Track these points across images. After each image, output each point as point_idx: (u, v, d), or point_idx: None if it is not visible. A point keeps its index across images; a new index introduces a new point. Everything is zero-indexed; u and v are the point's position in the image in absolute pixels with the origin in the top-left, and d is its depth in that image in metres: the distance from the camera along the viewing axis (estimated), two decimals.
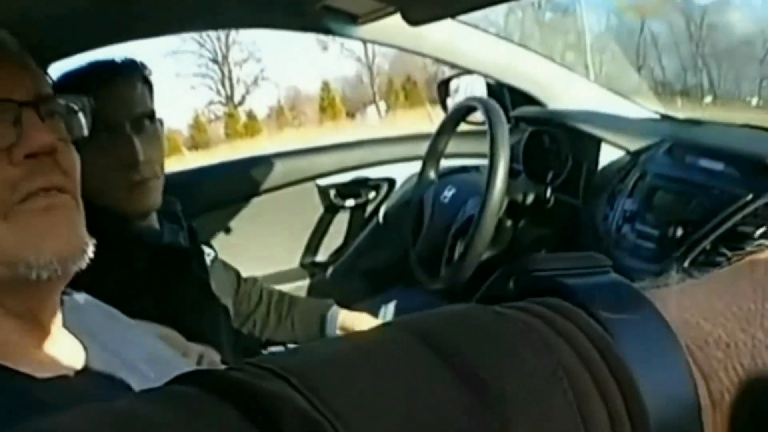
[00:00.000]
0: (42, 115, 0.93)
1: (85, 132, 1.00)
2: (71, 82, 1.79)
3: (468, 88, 2.82)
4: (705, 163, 1.90)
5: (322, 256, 3.23)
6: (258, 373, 0.34)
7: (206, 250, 2.11)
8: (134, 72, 1.85)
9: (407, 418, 0.33)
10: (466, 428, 0.33)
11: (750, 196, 1.67)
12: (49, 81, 1.01)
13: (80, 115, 1.02)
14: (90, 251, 0.94)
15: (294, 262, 3.20)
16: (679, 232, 1.80)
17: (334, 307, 2.25)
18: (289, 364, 0.35)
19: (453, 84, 2.90)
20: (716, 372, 0.39)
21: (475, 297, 0.45)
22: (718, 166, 1.85)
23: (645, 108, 2.58)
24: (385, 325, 0.41)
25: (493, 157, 1.96)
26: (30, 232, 0.88)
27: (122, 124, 1.78)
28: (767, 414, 0.39)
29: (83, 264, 0.93)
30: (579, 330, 0.38)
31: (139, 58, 1.89)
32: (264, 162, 3.05)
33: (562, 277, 0.42)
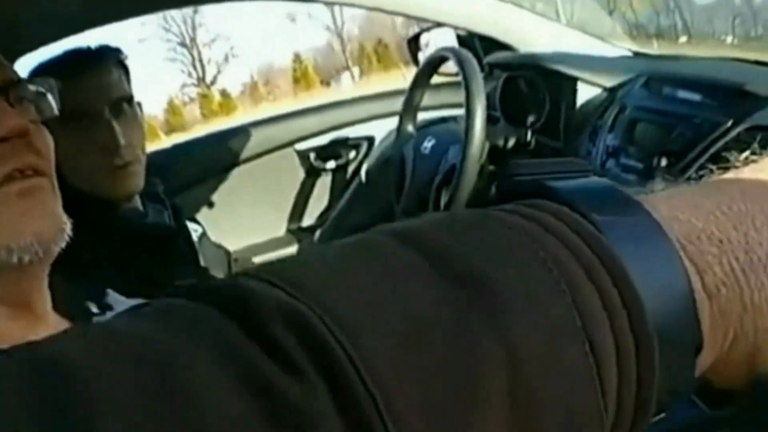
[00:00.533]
0: (11, 102, 0.92)
1: (56, 112, 1.00)
2: (46, 71, 1.78)
3: (438, 42, 2.80)
4: (683, 94, 1.89)
5: (308, 221, 3.24)
6: (243, 279, 0.34)
7: (193, 226, 2.12)
8: (109, 57, 1.86)
9: (392, 308, 0.32)
10: (455, 322, 0.32)
11: (730, 123, 1.67)
12: (14, 69, 1.01)
13: (48, 96, 1.01)
14: (68, 231, 0.94)
15: (281, 229, 3.20)
16: (663, 162, 1.79)
17: None
18: (272, 268, 0.35)
19: (423, 39, 2.89)
20: (711, 266, 0.39)
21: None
22: (696, 96, 1.84)
23: (619, 47, 2.57)
24: (368, 231, 0.40)
25: (469, 103, 1.95)
26: (8, 216, 0.87)
27: (101, 109, 1.79)
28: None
29: (62, 244, 0.92)
30: (567, 227, 0.37)
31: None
32: (240, 132, 3.05)
33: (545, 180, 0.41)
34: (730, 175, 0.44)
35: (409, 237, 0.36)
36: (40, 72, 1.78)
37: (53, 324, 0.99)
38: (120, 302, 1.12)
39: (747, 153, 0.46)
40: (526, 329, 0.33)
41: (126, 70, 1.90)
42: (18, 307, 0.93)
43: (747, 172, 0.44)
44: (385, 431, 0.29)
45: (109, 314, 1.05)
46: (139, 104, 1.92)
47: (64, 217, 0.94)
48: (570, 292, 0.34)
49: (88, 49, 1.85)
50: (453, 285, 0.33)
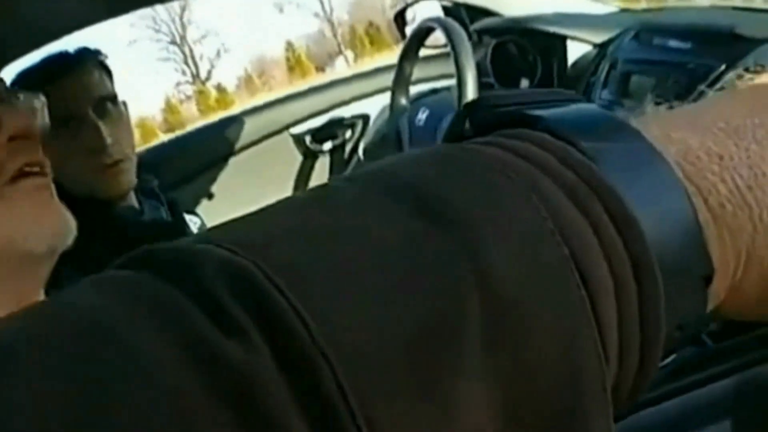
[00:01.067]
0: None
1: (47, 124, 1.01)
2: (28, 79, 1.80)
3: (425, 14, 2.80)
4: (674, 43, 1.88)
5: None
6: (183, 241, 0.32)
7: (192, 218, 2.11)
8: (89, 59, 1.87)
9: (342, 250, 0.30)
10: (420, 257, 0.30)
11: (723, 66, 1.66)
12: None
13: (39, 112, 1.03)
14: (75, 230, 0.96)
15: None
16: (663, 108, 1.78)
17: None
18: (219, 229, 0.33)
19: (409, 13, 2.90)
20: (713, 185, 0.36)
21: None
22: (687, 44, 1.84)
23: (604, 4, 2.57)
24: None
25: (459, 72, 1.94)
26: (25, 210, 0.89)
27: (85, 111, 1.80)
28: None
29: (70, 242, 0.94)
30: (552, 155, 0.34)
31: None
32: (234, 122, 3.05)
33: (527, 110, 0.38)
34: (726, 92, 0.42)
35: (368, 175, 0.34)
36: (22, 81, 1.80)
37: None
38: None
39: (739, 70, 0.45)
40: (503, 257, 0.30)
41: (107, 70, 1.90)
42: (16, 303, 0.92)
43: (742, 88, 0.41)
44: (337, 386, 0.26)
45: None
46: (124, 103, 1.93)
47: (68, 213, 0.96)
48: (553, 219, 0.32)
49: (66, 52, 1.86)
50: (416, 214, 0.31)
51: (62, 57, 1.85)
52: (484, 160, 0.34)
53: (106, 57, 1.92)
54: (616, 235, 0.32)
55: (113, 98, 1.87)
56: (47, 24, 2.05)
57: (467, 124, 0.40)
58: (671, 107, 0.42)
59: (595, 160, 0.34)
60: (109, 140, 1.79)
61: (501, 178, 0.33)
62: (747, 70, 0.44)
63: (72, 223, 0.94)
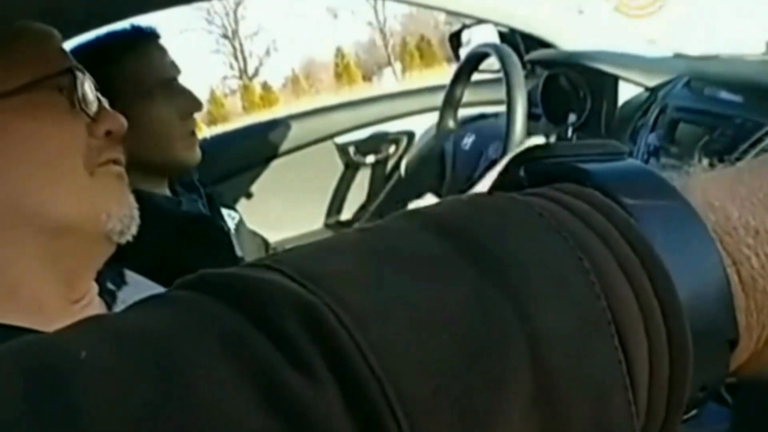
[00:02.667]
0: None
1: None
2: (114, 42, 1.85)
3: (480, 38, 2.79)
4: (724, 95, 1.87)
5: (346, 215, 3.23)
6: (252, 269, 0.33)
7: (231, 213, 2.11)
8: (154, 35, 1.90)
9: (409, 298, 0.31)
10: (477, 310, 0.31)
11: None
12: None
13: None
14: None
15: (318, 222, 3.20)
16: (705, 163, 1.77)
17: None
18: (283, 257, 0.34)
19: (465, 35, 2.88)
20: (747, 258, 0.37)
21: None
22: (738, 97, 1.82)
23: (659, 48, 2.55)
24: (389, 216, 0.39)
25: (510, 99, 1.93)
26: (111, 189, 1.01)
27: (174, 77, 1.87)
28: None
29: (134, 232, 1.04)
30: (598, 211, 0.36)
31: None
32: (280, 124, 3.05)
33: (577, 163, 0.40)
34: (766, 157, 0.42)
35: (431, 222, 0.35)
36: (97, 53, 1.79)
37: (97, 311, 1.04)
38: (136, 281, 1.21)
39: None
40: (551, 318, 0.32)
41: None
42: (70, 287, 0.98)
43: None
44: (398, 429, 0.28)
45: (124, 289, 1.15)
46: None
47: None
48: (599, 281, 0.33)
49: (134, 27, 1.89)
50: (475, 271, 0.32)
51: (134, 30, 1.88)
52: (541, 218, 0.35)
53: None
54: (654, 300, 0.33)
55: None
56: (105, 6, 2.07)
57: (521, 172, 0.42)
58: (717, 163, 0.43)
59: (638, 218, 0.36)
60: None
61: (557, 238, 0.34)
62: None
63: (137, 214, 1.03)
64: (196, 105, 1.88)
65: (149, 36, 1.87)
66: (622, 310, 0.33)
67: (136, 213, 1.03)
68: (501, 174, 0.43)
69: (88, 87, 1.01)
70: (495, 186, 0.43)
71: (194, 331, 0.29)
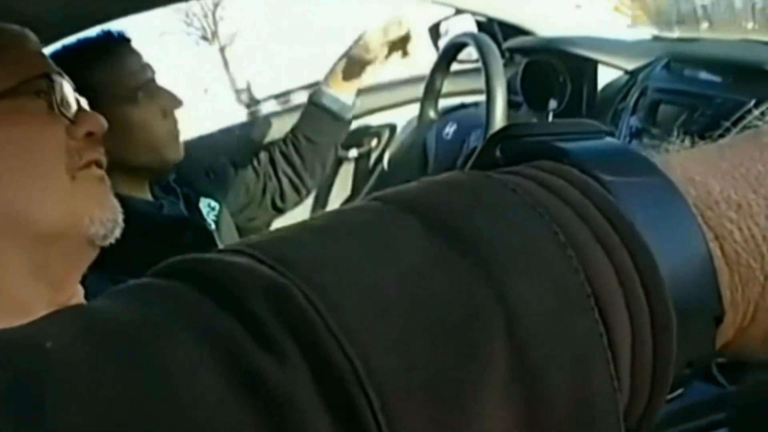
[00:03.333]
0: None
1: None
2: (83, 53, 1.84)
3: (458, 29, 2.79)
4: (704, 75, 1.87)
5: (331, 209, 3.21)
6: (223, 254, 0.33)
7: (210, 202, 2.11)
8: (128, 40, 1.91)
9: (379, 275, 0.31)
10: (449, 285, 0.31)
11: (753, 102, 1.65)
12: None
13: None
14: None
15: (303, 217, 3.17)
16: (687, 143, 1.77)
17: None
18: (254, 241, 0.33)
19: (443, 26, 2.89)
20: (730, 233, 0.37)
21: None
22: (717, 77, 1.83)
23: (637, 31, 2.56)
24: (363, 200, 0.38)
25: (489, 88, 1.94)
26: (93, 193, 1.00)
27: (152, 78, 1.89)
28: None
29: (118, 235, 1.03)
30: (575, 188, 0.35)
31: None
32: (260, 123, 3.03)
33: (555, 141, 0.39)
34: (749, 134, 0.42)
35: (403, 202, 0.35)
36: (75, 56, 1.81)
37: None
38: None
39: (764, 108, 0.44)
40: (527, 293, 0.31)
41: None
42: (54, 289, 0.97)
43: (765, 131, 0.41)
44: (369, 409, 0.27)
45: None
46: None
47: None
48: (577, 256, 0.33)
49: (109, 32, 1.90)
50: (448, 249, 0.32)
51: (108, 35, 1.89)
52: (516, 195, 0.35)
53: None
54: (635, 275, 0.33)
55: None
56: (82, 11, 2.07)
57: (498, 152, 0.41)
58: (698, 141, 0.43)
59: (617, 195, 0.35)
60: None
61: (532, 214, 0.34)
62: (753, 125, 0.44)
63: (121, 217, 1.02)
64: (176, 102, 1.90)
65: (123, 41, 1.88)
66: (602, 284, 0.32)
67: (119, 216, 1.02)
68: (478, 154, 0.43)
69: (66, 89, 1.01)
70: (471, 166, 0.42)
71: (165, 318, 0.29)
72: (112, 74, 1.80)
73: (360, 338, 0.28)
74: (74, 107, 1.01)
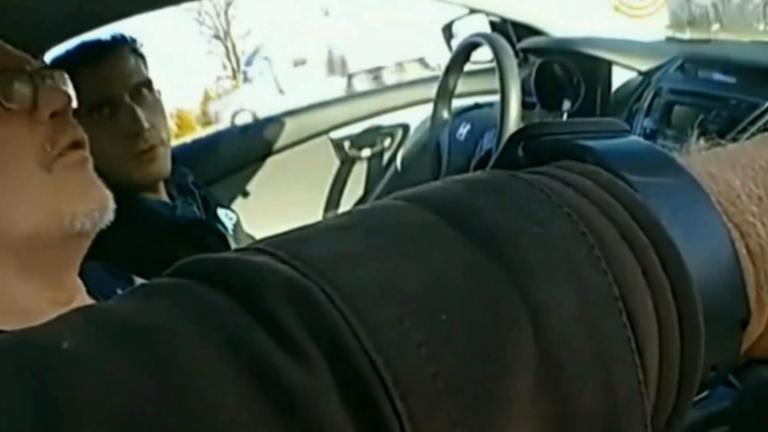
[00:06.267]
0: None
1: (75, 104, 1.04)
2: (64, 62, 1.83)
3: (472, 28, 2.79)
4: (718, 76, 1.87)
5: (343, 210, 3.21)
6: (243, 253, 0.32)
7: (228, 213, 2.11)
8: (123, 45, 1.89)
9: (404, 276, 0.30)
10: (476, 289, 0.30)
11: (767, 104, 1.64)
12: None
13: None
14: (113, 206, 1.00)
15: (316, 218, 3.17)
16: (703, 143, 1.76)
17: None
18: (275, 241, 0.33)
19: (456, 26, 2.89)
20: (754, 226, 0.36)
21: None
22: (731, 79, 1.82)
23: (651, 32, 2.56)
24: (385, 197, 0.38)
25: (503, 88, 1.94)
26: (73, 183, 0.94)
27: (121, 95, 1.82)
28: None
29: (111, 218, 0.98)
30: (602, 188, 0.35)
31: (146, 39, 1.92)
32: (274, 121, 3.05)
33: (577, 140, 0.39)
34: (765, 134, 0.42)
35: (426, 200, 0.34)
36: (57, 64, 1.81)
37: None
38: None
39: None
40: (555, 295, 0.31)
41: (142, 57, 1.93)
42: (53, 287, 0.95)
43: None
44: (396, 416, 0.27)
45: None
46: (159, 91, 1.94)
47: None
48: (605, 257, 0.32)
49: (102, 39, 1.89)
50: (473, 248, 0.31)
51: (98, 42, 1.88)
52: (543, 194, 0.34)
53: (141, 45, 1.94)
54: (664, 277, 0.33)
55: (149, 84, 1.90)
56: (95, 9, 2.07)
57: (520, 151, 0.41)
58: (717, 143, 0.43)
59: (644, 195, 0.35)
60: (146, 125, 1.81)
61: (560, 213, 0.33)
62: None
63: (111, 199, 0.98)
64: (137, 126, 1.82)
65: (92, 54, 1.85)
66: (630, 285, 0.32)
67: (107, 201, 0.98)
68: (500, 154, 0.42)
69: (16, 82, 0.93)
70: (493, 166, 0.41)
71: (183, 319, 0.29)
72: (89, 80, 1.77)
73: (385, 342, 0.28)
74: (29, 96, 0.93)
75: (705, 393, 0.37)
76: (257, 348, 0.27)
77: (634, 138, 0.40)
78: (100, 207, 0.95)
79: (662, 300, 0.32)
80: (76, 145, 0.96)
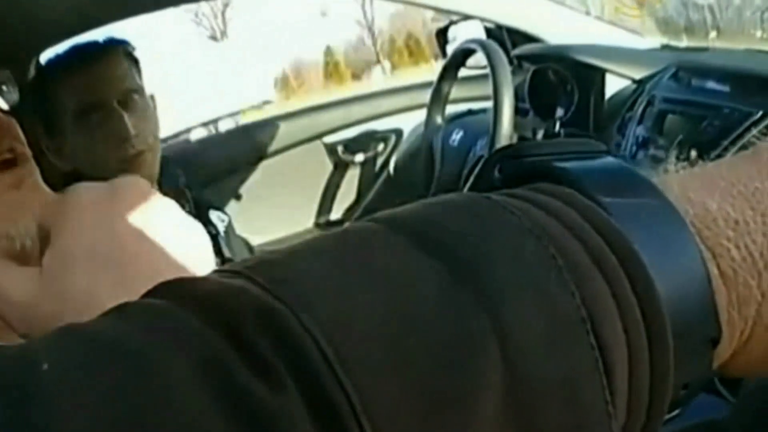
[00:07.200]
0: None
1: (16, 98, 1.00)
2: (55, 66, 1.84)
3: (467, 34, 2.80)
4: (712, 85, 1.88)
5: (335, 214, 3.24)
6: (220, 275, 0.33)
7: (220, 215, 2.12)
8: (115, 49, 1.88)
9: (373, 297, 0.30)
10: (444, 312, 0.30)
11: (760, 113, 1.65)
12: None
13: (4, 87, 1.02)
14: None
15: (308, 222, 3.21)
16: (693, 153, 1.77)
17: None
18: (252, 262, 0.33)
19: (451, 31, 2.89)
20: (728, 250, 0.36)
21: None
22: (725, 87, 1.83)
23: (646, 40, 2.57)
24: (360, 220, 0.38)
25: (496, 95, 1.94)
26: (4, 207, 0.84)
27: (110, 101, 1.81)
28: None
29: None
30: (574, 210, 0.35)
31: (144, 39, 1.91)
32: (268, 125, 3.06)
33: (554, 161, 0.39)
34: (747, 153, 0.42)
35: (399, 224, 0.34)
36: (49, 68, 1.84)
37: None
38: None
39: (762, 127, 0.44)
40: (522, 318, 0.31)
41: (136, 62, 1.92)
42: None
43: (764, 148, 0.41)
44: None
45: None
46: (152, 96, 1.94)
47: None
48: (574, 279, 0.32)
49: (94, 42, 1.88)
50: (444, 272, 0.31)
51: (89, 46, 1.87)
52: (514, 217, 0.34)
53: (134, 48, 1.93)
54: (633, 298, 0.33)
55: (139, 90, 1.89)
56: (91, 11, 2.07)
57: (497, 172, 0.41)
58: (705, 153, 0.43)
59: (615, 216, 0.35)
60: (132, 131, 1.81)
61: (529, 236, 0.33)
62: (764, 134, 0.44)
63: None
64: (124, 133, 1.81)
65: (83, 58, 1.85)
66: (598, 307, 0.32)
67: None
68: (477, 175, 0.42)
69: None
70: (470, 187, 0.42)
71: (160, 342, 0.29)
72: (62, 92, 1.79)
73: (354, 366, 0.28)
74: None
75: (677, 411, 0.37)
76: (229, 370, 0.27)
77: (610, 159, 0.40)
78: (41, 221, 0.87)
79: (631, 321, 0.33)
80: (9, 160, 0.86)
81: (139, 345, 0.29)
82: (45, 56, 1.92)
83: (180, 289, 0.32)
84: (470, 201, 0.36)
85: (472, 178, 0.43)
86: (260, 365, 0.27)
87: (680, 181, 0.39)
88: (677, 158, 1.81)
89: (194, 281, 0.32)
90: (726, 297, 0.36)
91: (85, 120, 1.78)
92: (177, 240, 0.66)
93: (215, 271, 0.34)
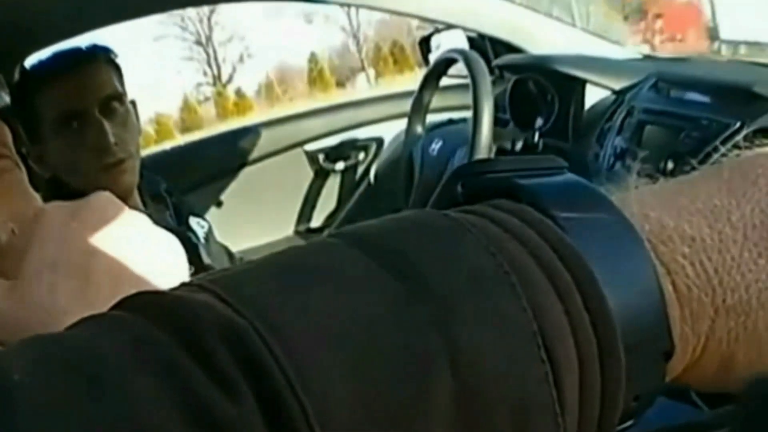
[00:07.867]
0: None
1: (7, 100, 1.00)
2: (36, 73, 1.84)
3: (450, 43, 2.80)
4: (691, 96, 1.88)
5: (315, 222, 3.25)
6: (186, 289, 0.33)
7: (200, 222, 2.12)
8: (97, 57, 1.87)
9: (332, 313, 0.31)
10: (398, 328, 0.31)
11: (738, 124, 1.65)
12: None
13: None
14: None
15: (288, 230, 3.22)
16: (670, 165, 1.78)
17: None
18: (217, 277, 0.34)
19: (434, 40, 2.90)
20: (682, 267, 0.37)
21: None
22: (704, 98, 1.83)
23: (628, 50, 2.58)
24: (325, 235, 0.39)
25: (476, 105, 1.95)
26: None
27: (91, 109, 1.80)
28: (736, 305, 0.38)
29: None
30: (529, 227, 0.36)
31: (126, 45, 1.90)
32: (250, 132, 3.07)
33: (514, 178, 0.40)
34: (710, 169, 0.43)
35: (359, 240, 0.35)
36: (31, 75, 1.83)
37: None
38: None
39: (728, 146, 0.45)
40: (473, 330, 0.32)
41: (117, 69, 1.91)
42: None
43: (727, 165, 0.42)
44: None
45: None
46: (133, 103, 1.94)
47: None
48: (525, 295, 0.33)
49: (77, 49, 1.88)
50: (399, 288, 0.32)
51: (71, 53, 1.87)
52: (470, 234, 0.35)
53: (116, 56, 1.92)
54: (585, 314, 0.33)
55: (120, 97, 1.88)
56: (77, 17, 2.07)
57: (459, 188, 0.42)
58: (674, 171, 0.43)
59: (571, 232, 0.36)
60: (113, 140, 1.80)
61: (484, 253, 0.34)
62: (737, 146, 0.45)
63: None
64: (104, 141, 1.80)
65: (65, 65, 1.84)
66: (550, 322, 0.33)
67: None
68: (439, 192, 0.43)
69: None
70: (433, 203, 0.43)
71: (125, 354, 0.29)
72: (43, 100, 1.79)
73: (310, 379, 0.29)
74: None
75: (629, 422, 0.37)
76: (190, 382, 0.28)
77: (569, 175, 0.41)
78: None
79: (583, 335, 0.33)
80: None
81: (105, 358, 0.29)
82: (29, 62, 1.91)
83: (145, 303, 0.33)
84: (429, 218, 0.37)
85: (434, 195, 0.44)
86: (220, 376, 0.28)
87: (639, 197, 0.40)
88: (658, 170, 1.81)
89: (159, 295, 0.33)
90: (679, 312, 0.37)
91: (65, 127, 1.78)
92: (143, 252, 0.68)
93: (182, 285, 0.34)
